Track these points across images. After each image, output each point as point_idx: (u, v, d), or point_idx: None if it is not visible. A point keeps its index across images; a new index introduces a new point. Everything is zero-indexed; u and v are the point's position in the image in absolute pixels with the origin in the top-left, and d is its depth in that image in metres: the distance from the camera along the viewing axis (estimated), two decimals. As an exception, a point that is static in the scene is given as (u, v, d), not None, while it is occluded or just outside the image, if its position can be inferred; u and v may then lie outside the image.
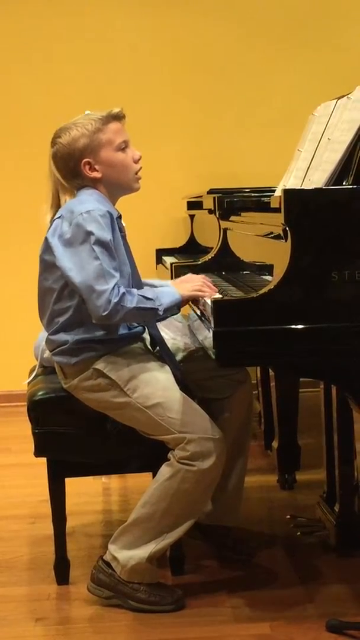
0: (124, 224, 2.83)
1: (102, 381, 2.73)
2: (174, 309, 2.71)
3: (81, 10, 5.28)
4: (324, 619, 2.55)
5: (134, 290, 2.66)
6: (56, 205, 2.80)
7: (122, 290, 2.60)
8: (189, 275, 2.90)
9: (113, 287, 2.59)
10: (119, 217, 2.80)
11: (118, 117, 2.78)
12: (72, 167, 2.76)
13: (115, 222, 2.72)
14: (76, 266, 2.63)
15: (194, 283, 2.76)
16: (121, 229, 2.78)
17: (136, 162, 2.81)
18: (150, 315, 2.70)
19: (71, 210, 2.68)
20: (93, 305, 2.60)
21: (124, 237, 2.79)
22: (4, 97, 5.29)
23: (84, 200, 2.71)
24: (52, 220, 2.76)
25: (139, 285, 2.83)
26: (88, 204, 2.68)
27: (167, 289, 2.75)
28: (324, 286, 2.30)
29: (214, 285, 2.80)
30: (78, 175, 2.77)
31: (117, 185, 2.81)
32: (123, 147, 2.78)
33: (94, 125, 2.74)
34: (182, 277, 2.91)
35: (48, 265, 2.75)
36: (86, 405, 2.80)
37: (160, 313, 2.66)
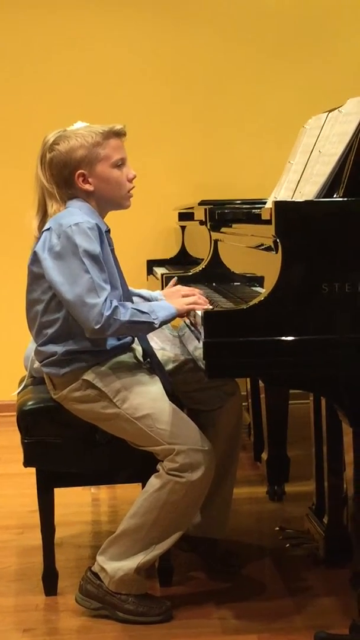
0: (112, 239, 2.83)
1: (91, 392, 2.73)
2: (169, 321, 2.72)
3: (79, 21, 5.29)
4: (312, 631, 2.54)
5: (128, 304, 2.66)
6: (42, 211, 2.79)
7: (115, 303, 2.60)
8: (179, 287, 2.90)
9: (105, 300, 2.58)
10: (108, 231, 2.80)
11: (119, 134, 2.78)
12: (66, 176, 2.76)
13: (104, 235, 2.72)
14: (67, 280, 2.62)
15: (189, 296, 2.76)
16: (110, 243, 2.78)
17: (130, 180, 2.81)
18: (145, 329, 2.70)
19: (60, 222, 2.67)
20: (85, 319, 2.60)
21: (112, 251, 2.79)
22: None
23: (72, 212, 2.71)
24: (40, 231, 2.75)
25: (128, 298, 2.83)
26: (76, 217, 2.67)
27: (162, 302, 2.75)
28: (315, 298, 2.31)
29: (206, 297, 2.80)
30: (71, 185, 2.77)
31: (107, 201, 2.81)
32: (119, 164, 2.78)
33: (94, 138, 2.74)
34: (172, 290, 2.90)
35: (36, 276, 2.74)
36: (75, 415, 2.79)
37: (156, 326, 2.67)
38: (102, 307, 2.57)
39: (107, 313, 2.58)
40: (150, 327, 2.67)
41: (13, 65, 5.29)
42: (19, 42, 5.28)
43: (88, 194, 2.78)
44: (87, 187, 2.76)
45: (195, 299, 2.73)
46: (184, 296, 2.76)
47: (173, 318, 2.71)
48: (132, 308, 2.63)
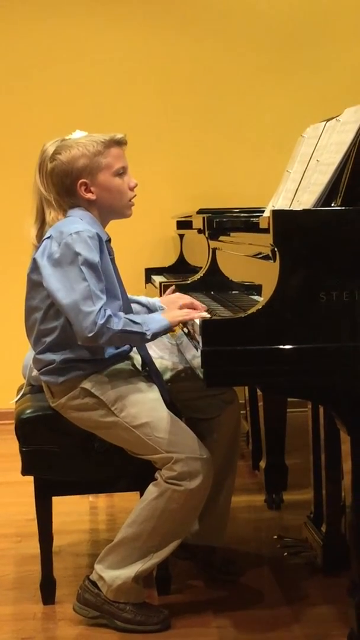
0: (112, 248, 2.83)
1: (90, 400, 2.73)
2: (162, 334, 2.71)
3: (77, 30, 5.31)
4: (310, 640, 2.55)
5: (121, 314, 2.66)
6: (40, 219, 2.80)
7: (109, 312, 2.60)
8: (178, 295, 2.91)
9: (99, 309, 2.58)
10: (108, 240, 2.80)
11: (120, 143, 2.79)
12: (68, 186, 2.76)
13: (104, 244, 2.72)
14: (64, 287, 2.62)
15: (183, 308, 2.76)
16: (110, 252, 2.79)
17: (131, 189, 2.82)
18: (137, 339, 2.70)
19: (60, 230, 2.68)
20: (79, 326, 2.60)
21: (112, 260, 2.80)
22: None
23: (73, 221, 2.72)
24: (40, 240, 2.75)
25: (128, 307, 2.83)
26: (77, 225, 2.68)
27: (155, 315, 2.74)
28: (312, 307, 2.31)
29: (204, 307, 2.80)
30: (72, 194, 2.77)
31: (109, 210, 2.82)
32: (121, 172, 2.79)
33: (95, 147, 2.75)
34: (172, 297, 2.91)
35: (35, 284, 2.75)
36: (73, 424, 2.79)
37: (148, 338, 2.66)
38: (96, 315, 2.58)
39: (100, 322, 2.58)
40: (142, 338, 2.67)
41: (11, 73, 5.30)
42: (18, 48, 5.29)
43: (90, 203, 2.78)
44: (89, 196, 2.77)
45: (190, 311, 2.72)
46: (182, 306, 2.76)
47: (166, 331, 2.71)
48: (125, 318, 2.63)
